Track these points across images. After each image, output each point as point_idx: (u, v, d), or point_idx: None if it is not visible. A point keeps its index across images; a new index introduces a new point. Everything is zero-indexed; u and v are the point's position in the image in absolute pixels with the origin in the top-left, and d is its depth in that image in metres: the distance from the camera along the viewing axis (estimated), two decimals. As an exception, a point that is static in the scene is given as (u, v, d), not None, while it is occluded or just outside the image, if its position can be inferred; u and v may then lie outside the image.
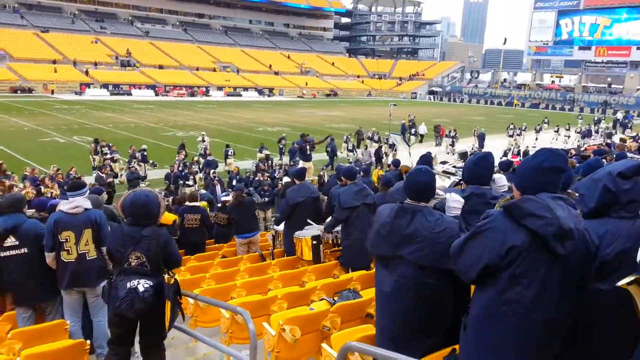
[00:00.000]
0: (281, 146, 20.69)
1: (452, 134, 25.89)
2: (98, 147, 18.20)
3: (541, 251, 1.96)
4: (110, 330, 3.62)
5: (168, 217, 6.60)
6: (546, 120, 35.42)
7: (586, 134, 29.79)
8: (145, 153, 17.89)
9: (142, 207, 3.46)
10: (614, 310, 2.11)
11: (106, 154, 17.42)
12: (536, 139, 29.28)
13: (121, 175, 16.94)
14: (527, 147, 22.78)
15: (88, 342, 3.63)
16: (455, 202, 2.84)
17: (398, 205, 2.72)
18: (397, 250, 2.64)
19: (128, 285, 3.30)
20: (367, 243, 2.92)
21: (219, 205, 8.40)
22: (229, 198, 8.36)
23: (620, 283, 1.97)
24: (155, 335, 3.61)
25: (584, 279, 2.10)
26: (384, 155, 20.71)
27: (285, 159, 20.15)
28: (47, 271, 4.28)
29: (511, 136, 27.26)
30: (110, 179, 14.03)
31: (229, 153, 19.14)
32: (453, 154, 22.44)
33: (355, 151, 22.45)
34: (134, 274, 3.37)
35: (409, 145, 21.98)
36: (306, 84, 72.07)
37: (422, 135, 28.90)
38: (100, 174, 13.94)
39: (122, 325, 3.45)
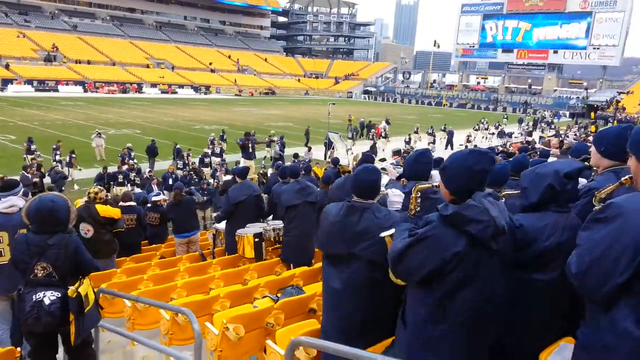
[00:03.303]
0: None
1: (430, 130, 28.01)
2: (32, 147, 17.30)
3: (479, 250, 2.08)
4: (27, 342, 3.42)
5: (115, 212, 6.38)
6: (505, 117, 40.68)
7: (503, 134, 31.55)
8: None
9: (48, 213, 3.21)
10: (546, 296, 2.31)
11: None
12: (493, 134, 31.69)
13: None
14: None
15: (18, 349, 3.43)
16: (396, 197, 2.93)
17: (347, 204, 2.76)
18: (350, 248, 2.68)
19: (34, 297, 3.11)
20: (316, 242, 2.94)
21: (149, 205, 8.19)
22: (160, 198, 8.24)
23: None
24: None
25: (511, 260, 2.27)
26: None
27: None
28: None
29: (477, 130, 30.55)
30: (36, 179, 13.21)
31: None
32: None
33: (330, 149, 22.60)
34: (40, 286, 3.17)
35: (346, 144, 22.43)
36: (235, 81, 70.75)
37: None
38: (26, 173, 13.12)
39: (35, 337, 3.27)
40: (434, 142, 26.36)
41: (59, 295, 3.16)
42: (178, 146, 19.04)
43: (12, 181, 4.46)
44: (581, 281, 1.78)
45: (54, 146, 17.08)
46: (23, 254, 3.22)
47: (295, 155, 16.58)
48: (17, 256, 3.26)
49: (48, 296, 3.12)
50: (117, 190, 13.50)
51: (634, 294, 1.64)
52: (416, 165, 3.25)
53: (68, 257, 3.25)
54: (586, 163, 3.62)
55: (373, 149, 21.93)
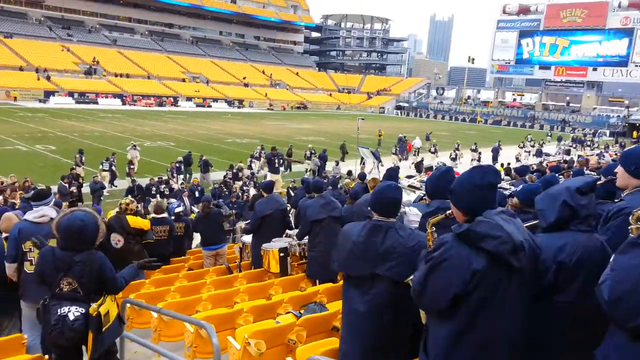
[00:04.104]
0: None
1: (474, 147, 27.70)
2: (83, 158, 18.00)
3: (499, 268, 2.00)
4: (52, 351, 3.44)
5: (144, 223, 6.53)
6: (549, 135, 41.34)
7: (541, 153, 30.44)
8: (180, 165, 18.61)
9: (76, 232, 3.21)
10: (571, 320, 2.20)
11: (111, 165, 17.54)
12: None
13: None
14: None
15: (47, 357, 3.50)
16: (414, 216, 2.88)
17: (370, 223, 2.70)
18: (374, 269, 2.62)
19: (59, 312, 3.14)
20: (335, 262, 2.88)
21: (173, 217, 8.35)
22: (181, 209, 8.40)
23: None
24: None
25: (535, 281, 2.16)
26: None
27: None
28: (3, 283, 4.10)
29: (522, 147, 29.98)
30: (74, 188, 13.65)
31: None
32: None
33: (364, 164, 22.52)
34: (65, 300, 3.20)
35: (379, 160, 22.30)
36: (266, 95, 71.91)
37: (417, 149, 29.05)
38: (64, 183, 13.59)
39: (59, 349, 3.29)
40: (479, 159, 25.85)
41: (83, 311, 3.18)
42: (205, 157, 19.27)
43: (44, 191, 4.57)
44: (612, 309, 1.72)
45: (111, 158, 17.82)
46: (49, 267, 3.25)
47: (349, 173, 16.62)
48: (43, 269, 3.29)
49: (72, 312, 3.14)
50: (152, 202, 13.79)
51: None
52: (439, 184, 3.19)
53: (93, 274, 3.27)
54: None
55: (419, 166, 21.66)
